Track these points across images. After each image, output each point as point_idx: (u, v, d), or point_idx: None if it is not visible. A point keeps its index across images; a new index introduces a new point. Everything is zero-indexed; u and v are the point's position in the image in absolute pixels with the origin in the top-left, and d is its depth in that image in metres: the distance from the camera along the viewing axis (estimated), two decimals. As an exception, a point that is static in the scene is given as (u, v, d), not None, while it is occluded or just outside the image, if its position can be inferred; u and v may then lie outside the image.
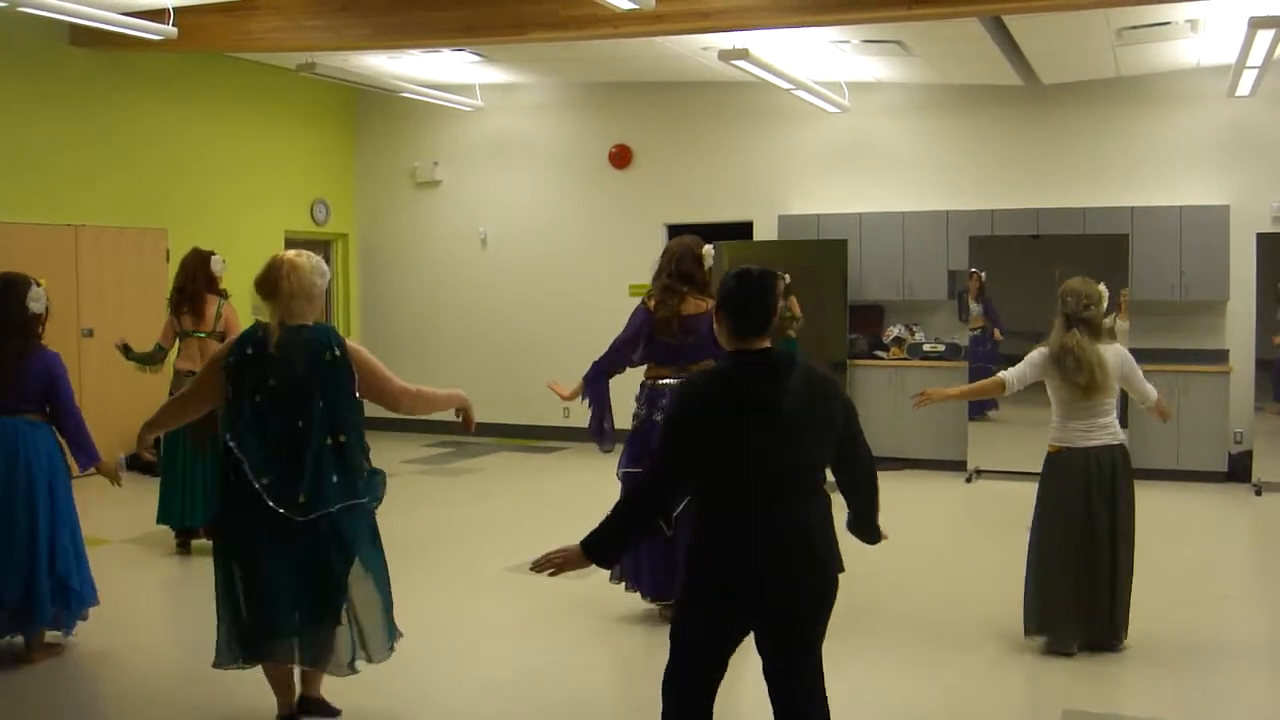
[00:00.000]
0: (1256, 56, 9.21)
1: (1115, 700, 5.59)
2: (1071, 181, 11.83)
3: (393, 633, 5.06)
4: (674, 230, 13.28)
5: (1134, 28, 9.37)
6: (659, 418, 6.29)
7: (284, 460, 4.66)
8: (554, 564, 3.73)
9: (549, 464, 12.72)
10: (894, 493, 10.47)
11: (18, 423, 5.91)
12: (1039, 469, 11.27)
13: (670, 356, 6.56)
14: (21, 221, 10.82)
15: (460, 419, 5.38)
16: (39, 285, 6.06)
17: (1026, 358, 6.27)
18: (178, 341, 8.55)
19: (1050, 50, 10.33)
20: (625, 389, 6.87)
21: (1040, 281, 11.66)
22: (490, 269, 14.52)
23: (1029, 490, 10.59)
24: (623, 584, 6.80)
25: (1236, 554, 9.12)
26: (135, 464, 11.55)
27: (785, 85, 11.16)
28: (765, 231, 12.99)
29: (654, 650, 6.49)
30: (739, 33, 9.52)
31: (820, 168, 12.92)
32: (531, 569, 3.76)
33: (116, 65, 11.78)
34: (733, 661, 3.82)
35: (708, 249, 6.73)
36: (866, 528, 4.07)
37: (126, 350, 8.62)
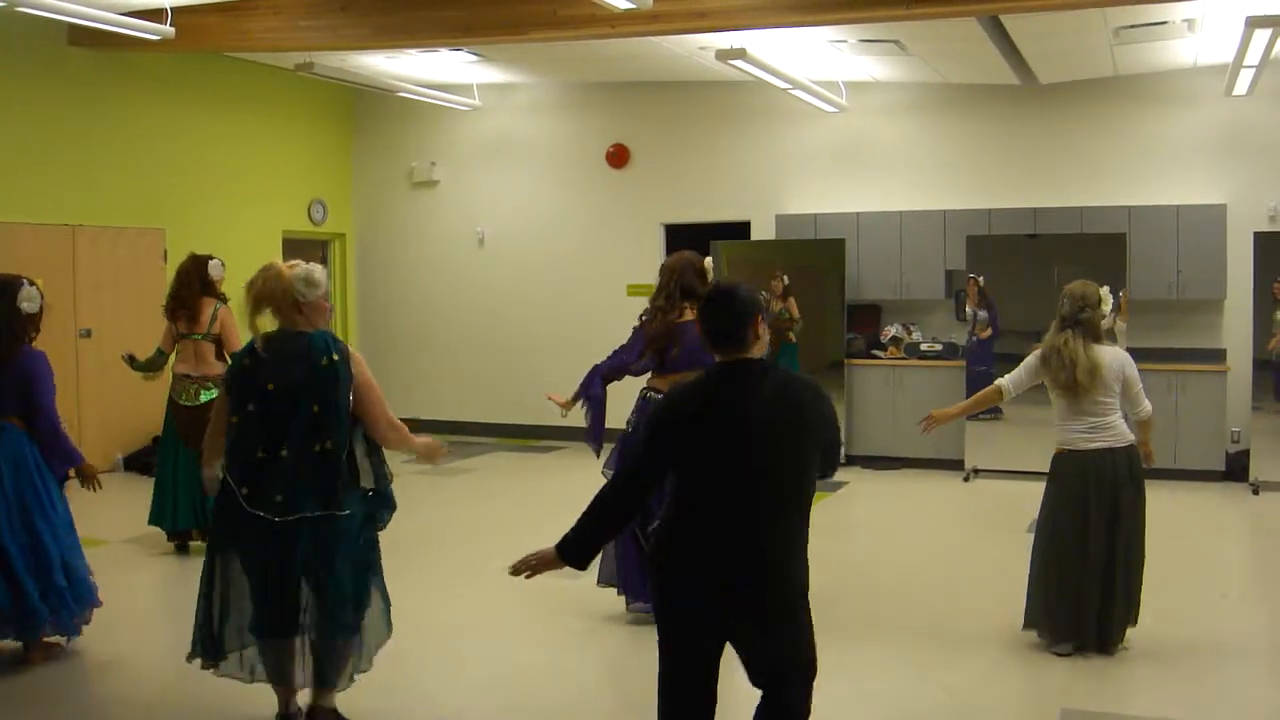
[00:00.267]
0: (1254, 56, 9.21)
1: (1114, 699, 5.60)
2: (1069, 181, 11.84)
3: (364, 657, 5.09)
4: (671, 230, 13.36)
5: (1131, 27, 9.37)
6: None
7: (264, 466, 4.68)
8: (529, 566, 3.83)
9: (546, 464, 12.71)
10: (892, 492, 10.57)
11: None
12: (1037, 468, 11.25)
13: (661, 367, 6.60)
14: (19, 221, 10.82)
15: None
16: (32, 285, 6.01)
17: (1024, 362, 6.28)
18: (176, 345, 8.52)
19: (1048, 49, 10.33)
20: (622, 393, 6.88)
21: (1038, 281, 11.70)
22: (488, 269, 14.51)
23: (1027, 489, 10.67)
24: (612, 588, 6.84)
25: (1234, 553, 9.12)
26: (134, 464, 11.56)
27: (783, 85, 11.16)
28: (763, 231, 12.99)
29: (650, 649, 6.49)
30: (736, 32, 9.51)
31: (818, 167, 12.92)
32: (510, 572, 3.86)
33: (114, 65, 11.78)
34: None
35: (708, 261, 6.77)
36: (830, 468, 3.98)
37: (132, 360, 8.64)
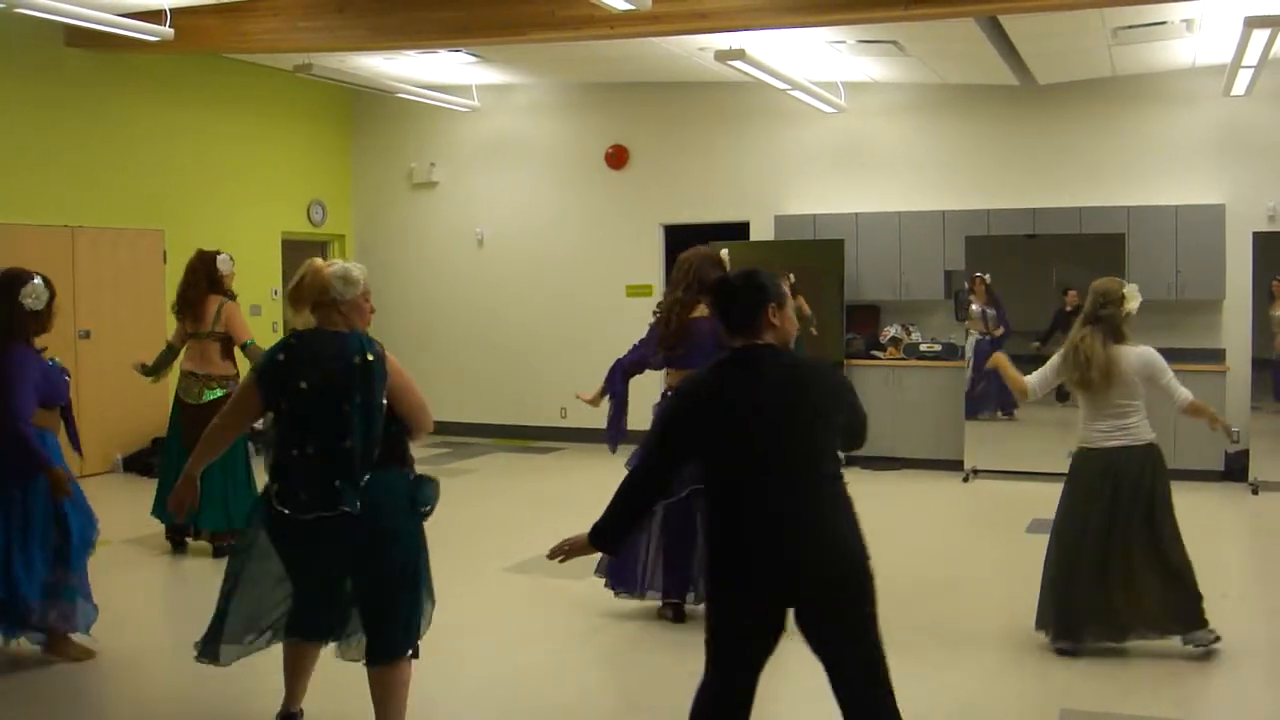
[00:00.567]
0: (1252, 56, 9.22)
1: (1114, 699, 5.60)
2: (1067, 181, 11.84)
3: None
4: (670, 230, 13.36)
5: (1130, 27, 9.38)
6: None
7: (293, 461, 4.64)
8: (564, 550, 3.97)
9: (545, 464, 12.71)
10: (891, 492, 10.57)
11: None
12: (1036, 468, 11.33)
13: (677, 362, 6.62)
14: (18, 223, 10.81)
15: None
16: (36, 281, 5.89)
17: (1049, 360, 6.27)
18: (185, 343, 8.48)
19: (1046, 50, 10.34)
20: (645, 392, 6.94)
21: (1037, 281, 11.73)
22: (487, 269, 14.52)
23: (1026, 490, 10.73)
24: (604, 581, 6.88)
25: (1234, 553, 9.12)
26: (133, 465, 11.57)
27: (782, 85, 11.17)
28: (762, 232, 13.00)
29: (650, 649, 6.51)
30: (735, 33, 9.52)
31: (817, 168, 12.92)
32: (548, 555, 4.00)
33: (113, 66, 11.78)
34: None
35: (724, 251, 6.80)
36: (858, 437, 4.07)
37: (144, 368, 8.60)
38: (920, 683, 5.86)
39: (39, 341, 6.02)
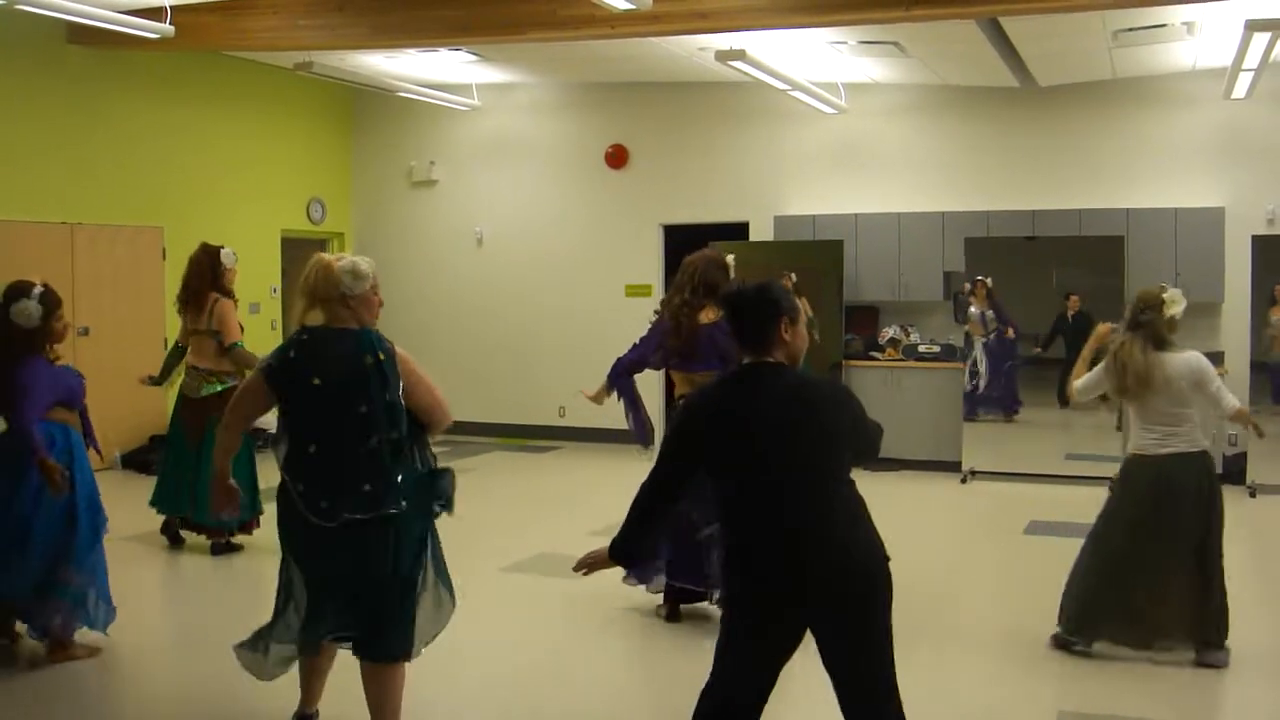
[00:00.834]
0: (1252, 59, 9.22)
1: (1111, 701, 5.60)
2: (1067, 183, 11.85)
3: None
4: (670, 230, 13.36)
5: (1130, 30, 9.38)
6: None
7: (318, 466, 4.62)
8: (587, 564, 4.00)
9: (544, 463, 12.71)
10: (890, 493, 10.56)
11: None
12: (1034, 470, 11.33)
13: (679, 364, 6.61)
14: (17, 220, 10.82)
15: None
16: (28, 299, 5.87)
17: (1099, 364, 6.22)
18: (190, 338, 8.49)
19: (1047, 52, 10.34)
20: (644, 391, 6.96)
21: (1036, 283, 11.73)
22: (486, 268, 14.52)
23: (1024, 491, 10.74)
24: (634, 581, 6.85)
25: (1232, 555, 9.01)
26: (132, 462, 11.57)
27: (782, 86, 11.17)
28: (761, 232, 13.00)
29: (649, 650, 6.51)
30: (736, 33, 9.52)
31: (817, 168, 12.92)
32: (573, 569, 4.03)
33: (113, 63, 11.77)
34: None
35: (730, 257, 6.79)
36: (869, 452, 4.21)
37: (153, 380, 8.61)
38: (918, 684, 5.84)
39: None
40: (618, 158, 13.79)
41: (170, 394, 8.79)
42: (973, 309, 11.72)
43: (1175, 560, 5.92)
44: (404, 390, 4.70)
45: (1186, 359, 5.97)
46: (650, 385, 6.89)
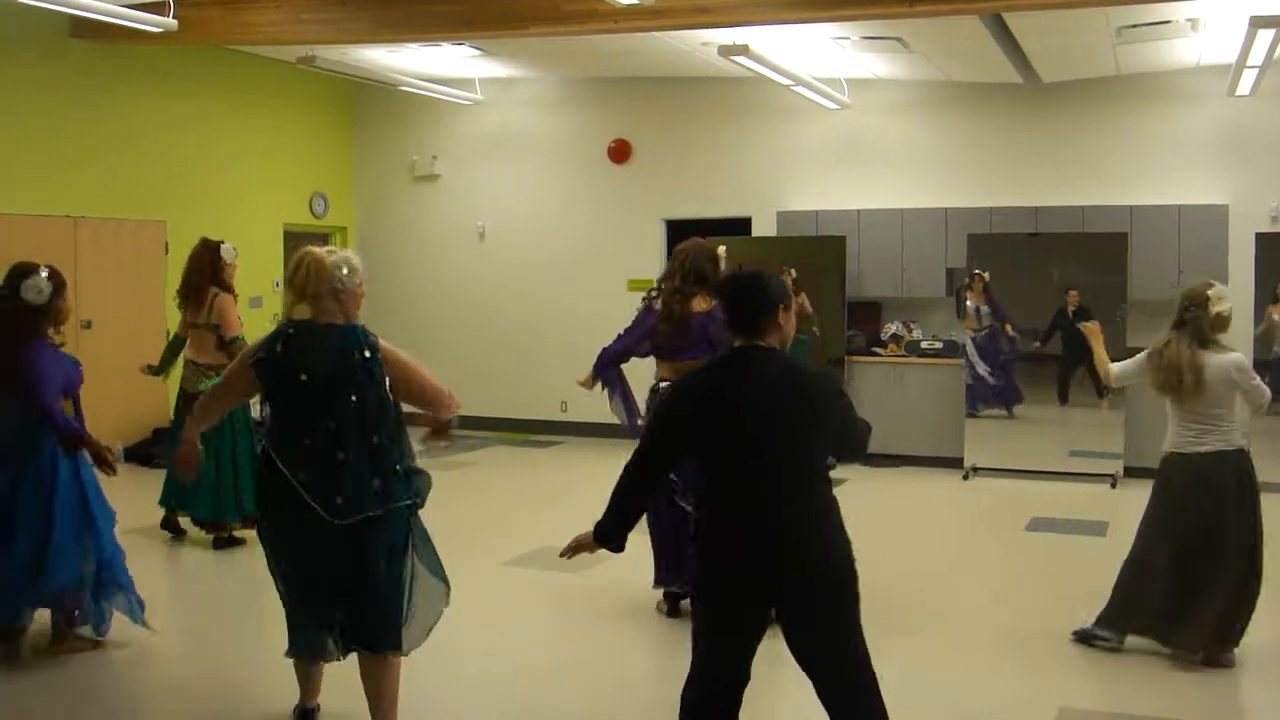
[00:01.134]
0: (1257, 56, 9.21)
1: (1111, 698, 5.61)
2: (1070, 180, 11.83)
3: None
4: (672, 225, 13.35)
5: (1134, 26, 9.36)
6: None
7: (319, 459, 4.62)
8: (572, 548, 4.02)
9: (545, 458, 12.71)
10: (891, 489, 10.57)
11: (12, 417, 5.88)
12: (1035, 467, 11.33)
13: (667, 353, 6.62)
14: (20, 213, 10.82)
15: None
16: (39, 274, 5.93)
17: (1136, 355, 6.20)
18: (189, 332, 8.52)
19: (1050, 48, 10.32)
20: (636, 380, 6.95)
21: (1038, 280, 11.71)
22: (489, 263, 14.51)
23: (1025, 488, 10.74)
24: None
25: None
26: (134, 455, 11.57)
27: (785, 81, 11.16)
28: (764, 228, 12.99)
29: (649, 644, 6.52)
30: (739, 28, 9.51)
31: (819, 164, 12.91)
32: (560, 555, 4.06)
33: (116, 57, 11.77)
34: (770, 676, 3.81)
35: (721, 249, 6.80)
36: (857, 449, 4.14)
37: (151, 369, 8.64)
38: (918, 680, 5.86)
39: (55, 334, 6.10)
40: (620, 153, 13.79)
41: (172, 387, 8.79)
42: (969, 303, 11.71)
43: (1211, 558, 5.88)
44: (396, 382, 4.70)
45: (1234, 360, 5.92)
46: (645, 374, 6.88)
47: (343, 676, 5.08)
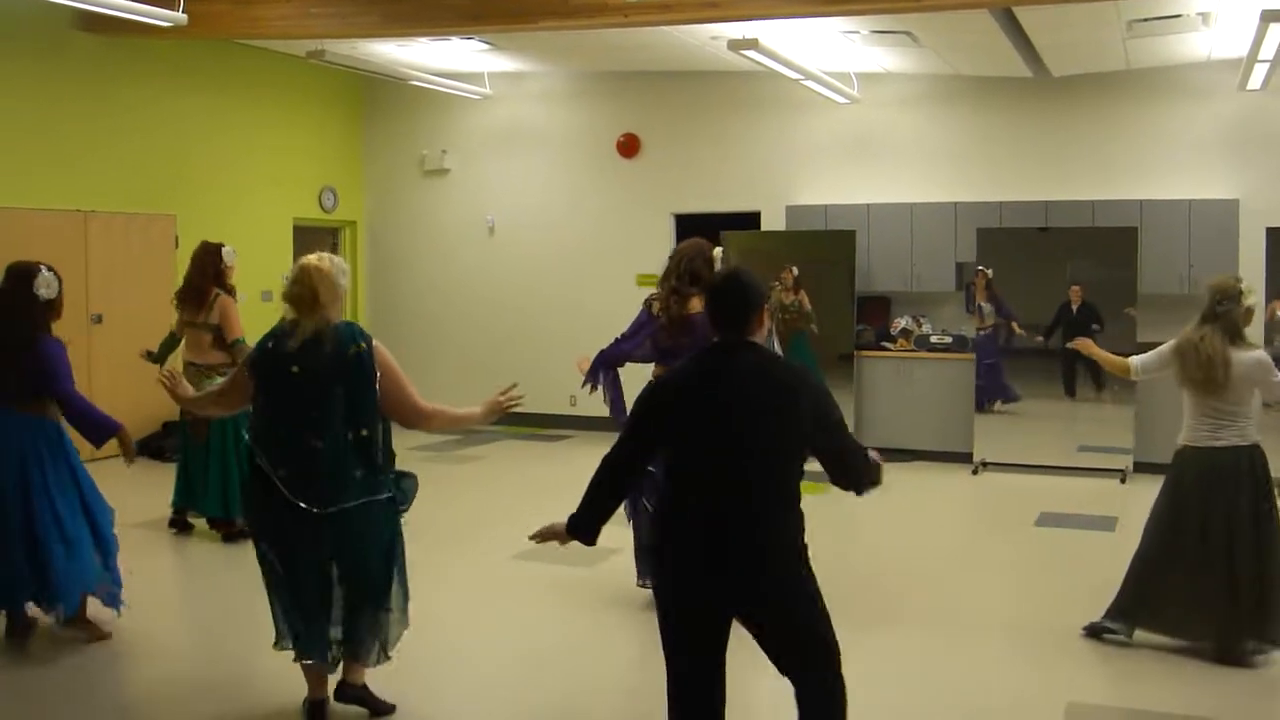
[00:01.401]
0: (1268, 50, 9.17)
1: (1119, 693, 5.60)
2: (1080, 174, 11.80)
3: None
4: (682, 220, 13.35)
5: (1145, 20, 9.34)
6: None
7: (302, 453, 4.66)
8: (541, 534, 4.06)
9: (554, 452, 12.72)
10: (901, 484, 10.56)
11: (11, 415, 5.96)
12: (1045, 462, 11.30)
13: (665, 356, 6.62)
14: (31, 207, 10.85)
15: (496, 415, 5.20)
16: (50, 271, 6.07)
17: (1158, 348, 6.18)
18: (185, 332, 8.57)
19: (1060, 42, 10.30)
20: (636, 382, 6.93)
21: (1048, 274, 11.69)
22: (498, 257, 14.52)
23: (1035, 483, 10.73)
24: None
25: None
26: (144, 449, 11.59)
27: (794, 75, 11.14)
28: (773, 222, 12.98)
29: (657, 639, 6.51)
30: (749, 22, 9.50)
31: (829, 158, 12.90)
32: (529, 537, 4.09)
33: (125, 51, 11.79)
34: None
35: (717, 251, 6.80)
36: (865, 487, 3.95)
37: (150, 355, 8.69)
38: (927, 674, 5.87)
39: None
40: (629, 147, 13.78)
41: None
42: (982, 304, 11.70)
43: (1224, 552, 5.87)
44: (382, 389, 4.78)
45: (1259, 356, 5.91)
46: (645, 374, 6.89)
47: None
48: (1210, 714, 5.30)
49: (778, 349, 11.25)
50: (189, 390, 5.25)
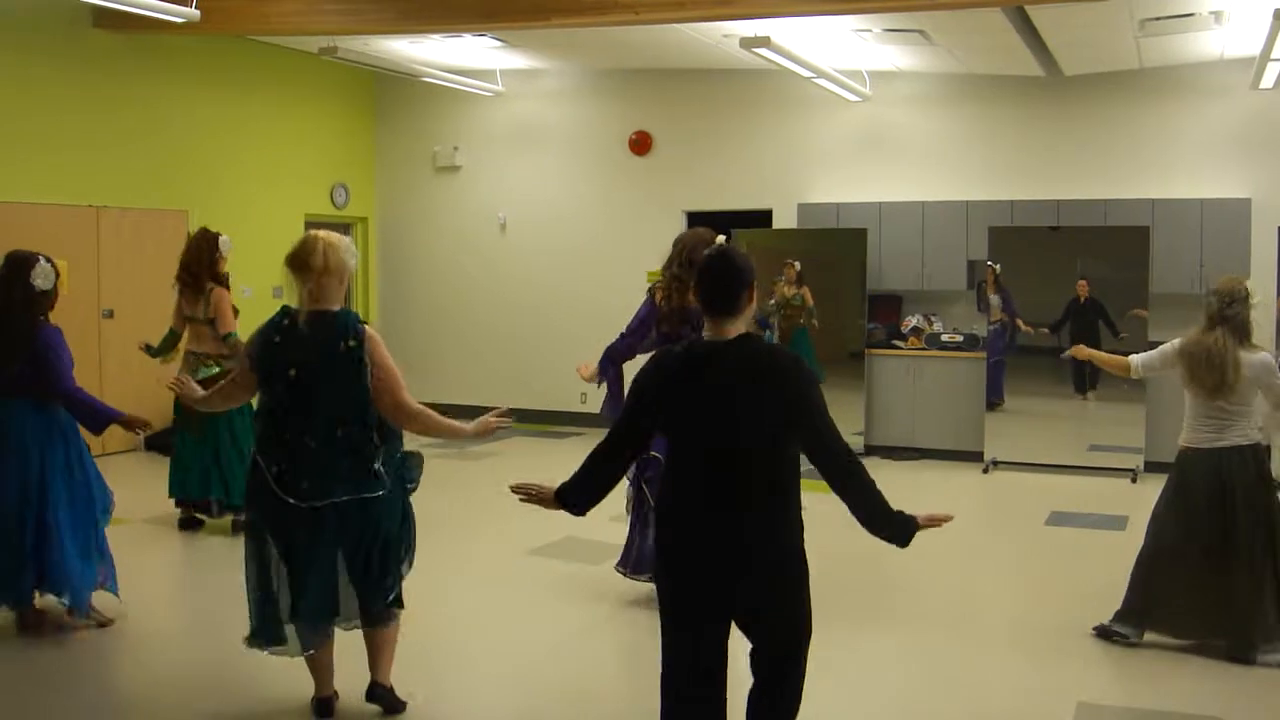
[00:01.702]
0: (1281, 49, 9.16)
1: (1129, 692, 5.59)
2: (1092, 173, 11.78)
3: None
4: (693, 217, 13.33)
5: (1157, 19, 9.32)
6: None
7: (295, 450, 4.69)
8: (529, 493, 4.03)
9: (565, 449, 12.72)
10: (911, 483, 10.56)
11: (14, 405, 6.00)
12: (1055, 461, 11.28)
13: (667, 344, 6.61)
14: (43, 202, 10.88)
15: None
16: (48, 262, 6.08)
17: (1160, 347, 6.17)
18: (186, 325, 8.58)
19: (1073, 41, 10.28)
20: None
21: (1060, 273, 11.68)
22: (509, 254, 14.53)
23: (1046, 482, 10.72)
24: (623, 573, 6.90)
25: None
26: (155, 444, 11.62)
27: (806, 73, 11.13)
28: (784, 220, 12.97)
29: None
30: (761, 20, 9.50)
31: (840, 156, 12.89)
32: (511, 487, 4.07)
33: (139, 48, 11.82)
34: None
35: (720, 239, 6.79)
36: (882, 524, 3.87)
37: (149, 348, 8.72)
38: (937, 673, 5.87)
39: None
40: (641, 144, 13.78)
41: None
42: (991, 296, 11.70)
43: (1230, 552, 5.87)
44: (372, 378, 4.76)
45: (1264, 359, 5.92)
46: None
47: (357, 668, 5.10)
48: (1221, 714, 5.30)
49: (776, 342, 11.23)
50: (197, 391, 5.29)
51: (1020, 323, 11.69)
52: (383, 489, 4.79)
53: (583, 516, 4.04)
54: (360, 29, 10.65)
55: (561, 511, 4.07)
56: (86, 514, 6.19)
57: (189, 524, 8.63)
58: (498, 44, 11.95)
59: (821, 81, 11.53)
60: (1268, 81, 10.35)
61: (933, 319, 12.41)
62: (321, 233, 4.88)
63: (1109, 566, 7.09)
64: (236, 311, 8.49)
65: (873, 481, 3.79)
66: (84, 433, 6.25)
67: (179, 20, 9.51)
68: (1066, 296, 11.48)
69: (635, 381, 3.94)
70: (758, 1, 8.88)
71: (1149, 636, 6.11)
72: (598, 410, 7.14)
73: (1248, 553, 5.87)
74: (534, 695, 5.56)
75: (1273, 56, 9.38)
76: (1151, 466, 10.50)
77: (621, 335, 6.94)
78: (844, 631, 6.10)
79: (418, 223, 15.05)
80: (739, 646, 3.81)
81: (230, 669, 5.62)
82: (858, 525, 3.85)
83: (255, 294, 12.06)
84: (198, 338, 8.46)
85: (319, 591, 4.84)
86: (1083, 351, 6.60)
